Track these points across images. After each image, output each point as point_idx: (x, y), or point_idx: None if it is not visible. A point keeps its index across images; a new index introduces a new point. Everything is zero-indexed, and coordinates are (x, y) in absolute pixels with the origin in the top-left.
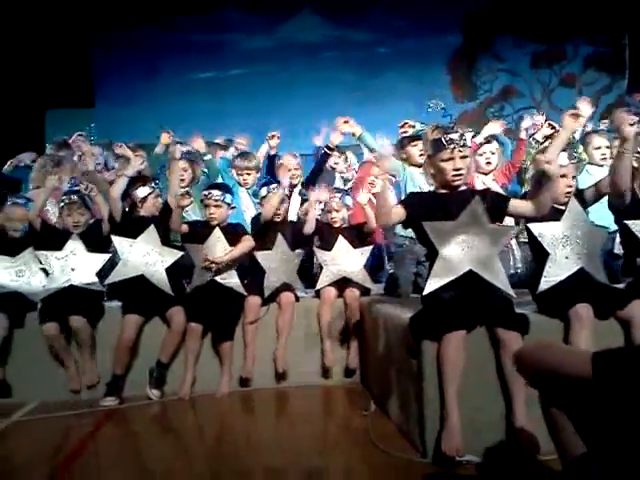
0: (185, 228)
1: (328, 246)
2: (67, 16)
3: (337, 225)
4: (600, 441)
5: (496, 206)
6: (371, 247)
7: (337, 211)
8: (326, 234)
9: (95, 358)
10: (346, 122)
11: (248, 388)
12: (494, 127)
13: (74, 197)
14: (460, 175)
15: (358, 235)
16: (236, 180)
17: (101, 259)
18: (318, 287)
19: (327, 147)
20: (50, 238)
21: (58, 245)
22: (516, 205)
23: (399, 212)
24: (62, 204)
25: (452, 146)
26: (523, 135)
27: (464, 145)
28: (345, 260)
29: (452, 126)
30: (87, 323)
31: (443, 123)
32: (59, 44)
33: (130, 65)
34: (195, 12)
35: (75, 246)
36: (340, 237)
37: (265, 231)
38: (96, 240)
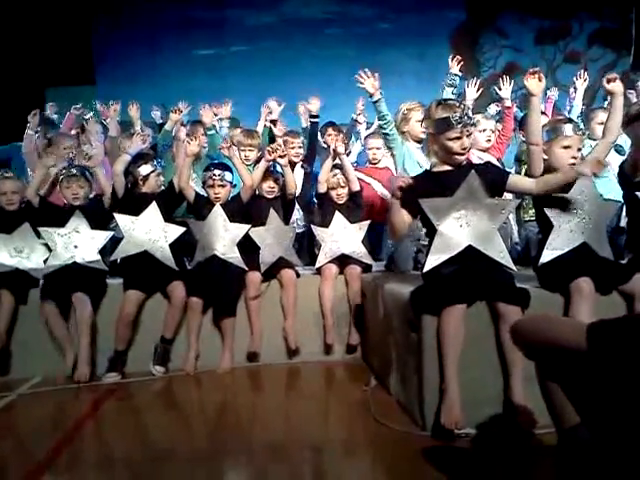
0: (192, 191)
1: (326, 222)
2: None
3: (343, 201)
4: (594, 411)
5: (496, 180)
6: (369, 222)
7: (342, 187)
8: (326, 210)
9: (91, 350)
10: (367, 77)
11: (256, 363)
12: None
13: (73, 170)
14: (466, 153)
15: (355, 209)
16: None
17: (103, 236)
18: (318, 265)
19: (310, 115)
20: (51, 215)
21: (60, 222)
22: (516, 181)
23: (405, 218)
24: (61, 177)
25: (461, 125)
26: (508, 103)
27: (471, 124)
28: (343, 237)
29: (458, 103)
30: (89, 302)
31: (447, 98)
32: (59, 21)
33: (131, 42)
34: None
35: (78, 223)
36: (337, 213)
37: (258, 207)
38: (97, 216)
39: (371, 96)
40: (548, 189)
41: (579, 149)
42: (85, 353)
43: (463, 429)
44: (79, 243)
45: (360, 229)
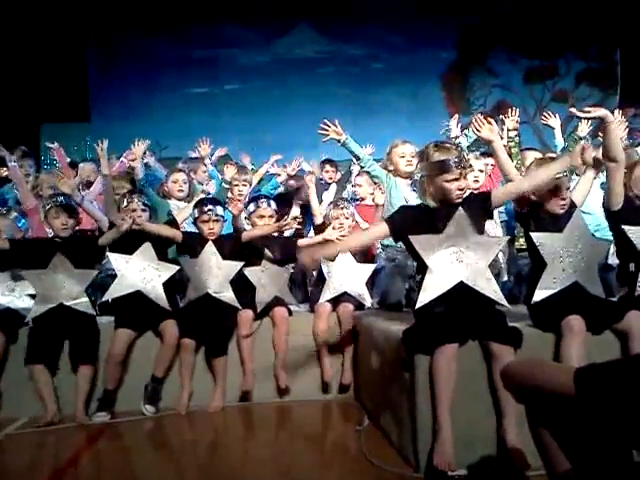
0: (179, 234)
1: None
2: (63, 30)
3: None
4: (583, 457)
5: (482, 203)
6: (374, 265)
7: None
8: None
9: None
10: (328, 127)
11: (248, 402)
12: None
13: (60, 199)
14: (463, 194)
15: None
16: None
17: (89, 276)
18: (322, 300)
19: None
20: (29, 254)
21: (40, 260)
22: (498, 191)
23: (382, 229)
24: (48, 207)
25: (460, 168)
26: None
27: (468, 165)
28: (347, 274)
29: (454, 145)
30: (92, 370)
31: (442, 140)
32: (55, 58)
33: (126, 79)
34: (191, 27)
35: (62, 262)
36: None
37: (253, 247)
38: (83, 251)
39: (338, 141)
40: (537, 182)
41: (568, 188)
42: (81, 403)
43: (456, 471)
44: (64, 284)
45: (365, 271)
